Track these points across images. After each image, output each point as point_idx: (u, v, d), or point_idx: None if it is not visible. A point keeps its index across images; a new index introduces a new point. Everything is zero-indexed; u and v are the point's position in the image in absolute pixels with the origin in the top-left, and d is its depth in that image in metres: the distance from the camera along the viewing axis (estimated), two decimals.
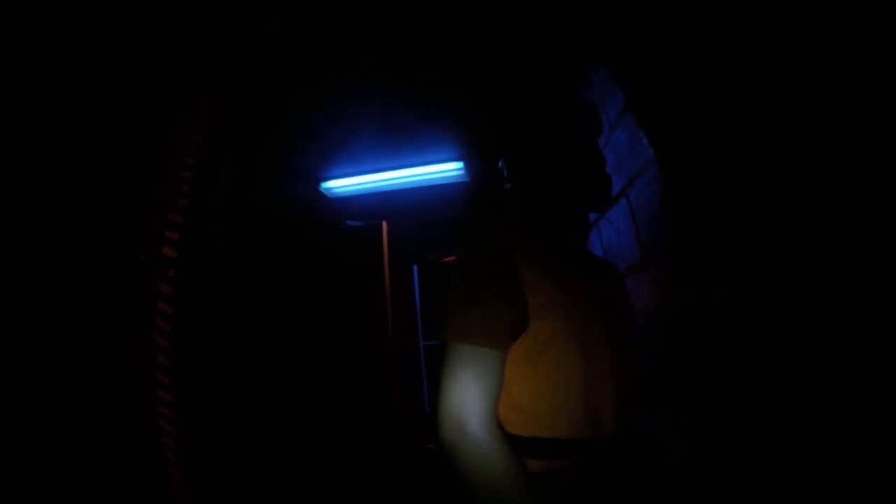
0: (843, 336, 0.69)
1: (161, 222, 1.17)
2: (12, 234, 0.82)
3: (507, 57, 1.49)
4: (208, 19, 1.17)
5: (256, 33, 1.29)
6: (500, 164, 1.02)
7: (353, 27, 1.38)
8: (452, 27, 1.41)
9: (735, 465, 0.80)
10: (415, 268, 4.48)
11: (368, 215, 2.93)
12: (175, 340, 1.14)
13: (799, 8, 0.78)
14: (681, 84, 0.94)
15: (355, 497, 1.96)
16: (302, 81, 1.63)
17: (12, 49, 0.86)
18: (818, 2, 0.77)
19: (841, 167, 0.72)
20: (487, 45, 1.47)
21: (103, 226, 0.98)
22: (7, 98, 0.85)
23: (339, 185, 2.51)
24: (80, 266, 0.92)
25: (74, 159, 0.95)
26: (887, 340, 0.64)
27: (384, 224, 2.97)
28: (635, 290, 1.25)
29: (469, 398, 0.71)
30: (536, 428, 0.77)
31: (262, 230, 2.31)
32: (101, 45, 1.00)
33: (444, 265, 4.50)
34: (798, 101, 0.79)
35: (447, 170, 2.38)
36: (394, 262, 3.03)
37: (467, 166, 2.33)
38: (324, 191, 2.57)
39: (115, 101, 1.04)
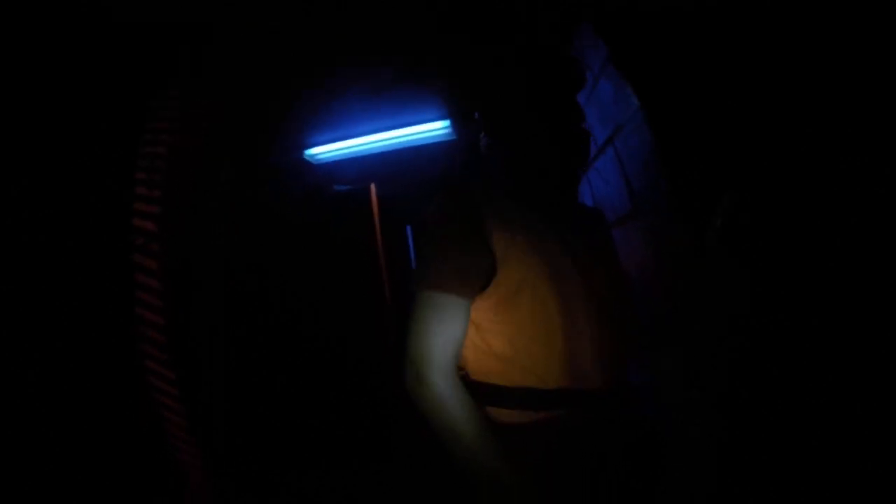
0: (842, 335, 0.69)
1: (142, 201, 1.16)
2: (12, 234, 0.81)
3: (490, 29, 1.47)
4: (208, 19, 1.13)
5: (248, 29, 1.25)
6: (476, 116, 0.99)
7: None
8: (452, 27, 1.39)
9: (735, 465, 0.81)
10: (408, 228, 4.46)
11: (357, 179, 2.88)
12: (170, 316, 1.15)
13: None
14: (665, 35, 0.92)
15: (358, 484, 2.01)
16: (288, 64, 1.61)
17: (13, 49, 0.84)
18: None
19: (841, 166, 0.71)
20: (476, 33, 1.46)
21: (103, 225, 0.98)
22: (7, 98, 0.84)
23: (324, 150, 2.45)
24: (80, 266, 0.92)
25: (74, 159, 0.94)
26: (887, 340, 0.64)
27: (372, 186, 2.93)
28: (627, 241, 1.27)
29: (429, 345, 0.75)
30: (517, 377, 0.80)
31: (248, 202, 2.27)
32: (101, 45, 0.98)
33: None
34: (796, 99, 0.77)
35: (434, 129, 2.33)
36: (386, 224, 3.01)
37: (453, 124, 2.29)
38: (308, 158, 2.51)
39: (115, 101, 1.02)
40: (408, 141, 2.45)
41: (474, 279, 0.78)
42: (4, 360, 0.78)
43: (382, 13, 1.35)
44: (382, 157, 2.59)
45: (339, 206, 2.82)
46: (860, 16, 0.69)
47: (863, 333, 0.67)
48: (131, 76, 1.07)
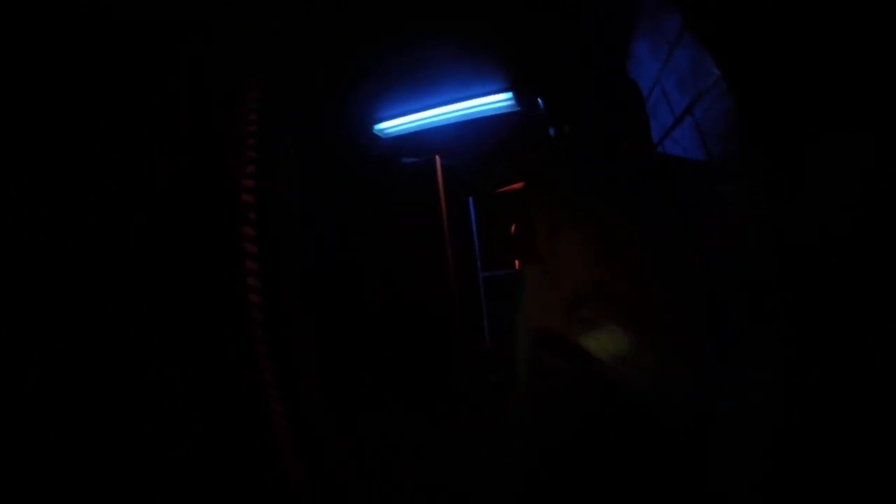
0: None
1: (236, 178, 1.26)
2: (12, 234, 0.82)
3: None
4: (209, 19, 1.15)
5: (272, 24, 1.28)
6: (539, 103, 1.02)
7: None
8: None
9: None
10: (470, 199, 4.48)
11: (423, 151, 2.95)
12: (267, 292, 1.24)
13: None
14: None
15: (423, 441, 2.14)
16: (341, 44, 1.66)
17: (12, 49, 0.84)
18: None
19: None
20: None
21: (103, 225, 0.98)
22: (7, 98, 0.84)
23: (392, 125, 2.53)
24: (81, 266, 0.92)
25: (74, 159, 0.94)
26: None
27: (437, 158, 2.98)
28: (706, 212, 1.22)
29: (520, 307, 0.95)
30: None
31: (327, 175, 2.41)
32: (101, 45, 0.98)
33: (498, 196, 4.46)
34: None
35: (497, 100, 2.33)
36: (450, 195, 3.08)
37: (517, 96, 2.27)
38: (378, 132, 2.60)
39: (115, 101, 1.03)
40: (472, 113, 2.46)
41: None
42: (4, 360, 0.78)
43: None
44: (448, 130, 2.63)
45: (407, 178, 2.92)
46: None
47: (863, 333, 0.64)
48: (131, 76, 1.06)
